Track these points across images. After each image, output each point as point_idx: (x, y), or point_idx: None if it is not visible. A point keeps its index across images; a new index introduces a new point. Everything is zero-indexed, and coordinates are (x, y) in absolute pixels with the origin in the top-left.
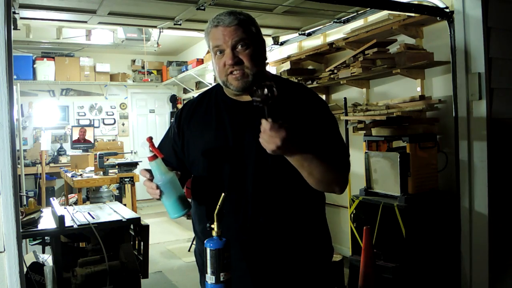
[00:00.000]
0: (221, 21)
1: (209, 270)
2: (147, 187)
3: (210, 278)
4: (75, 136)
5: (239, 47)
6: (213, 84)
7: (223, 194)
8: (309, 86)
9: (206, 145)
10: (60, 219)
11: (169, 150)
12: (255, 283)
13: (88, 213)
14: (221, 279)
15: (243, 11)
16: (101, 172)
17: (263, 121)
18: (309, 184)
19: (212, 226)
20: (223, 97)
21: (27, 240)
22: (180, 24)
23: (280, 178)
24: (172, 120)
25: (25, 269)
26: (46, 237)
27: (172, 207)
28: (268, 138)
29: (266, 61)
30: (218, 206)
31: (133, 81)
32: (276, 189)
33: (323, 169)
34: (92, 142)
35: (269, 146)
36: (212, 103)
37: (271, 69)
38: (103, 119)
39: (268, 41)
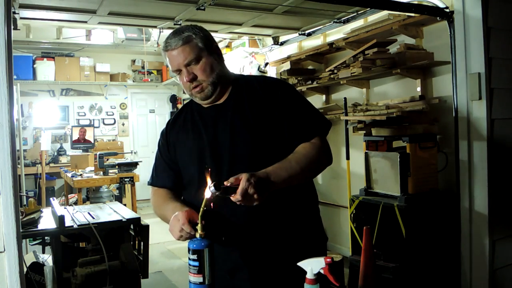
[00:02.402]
0: (169, 44)
1: (192, 270)
2: (184, 229)
3: (194, 279)
4: (75, 136)
5: (191, 64)
6: None
7: (205, 197)
8: (309, 86)
9: (187, 151)
10: (60, 219)
11: (166, 169)
12: (250, 272)
13: (88, 213)
14: (207, 281)
15: (189, 25)
16: (101, 172)
17: (234, 198)
18: None
19: (196, 227)
20: (196, 106)
21: (27, 240)
22: (180, 24)
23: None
24: (159, 139)
25: (25, 269)
26: (46, 237)
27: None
28: (249, 202)
29: (224, 61)
30: (201, 209)
31: (133, 81)
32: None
33: (307, 169)
34: (92, 142)
35: (255, 203)
36: (189, 113)
37: (271, 69)
38: (103, 119)
39: (268, 41)
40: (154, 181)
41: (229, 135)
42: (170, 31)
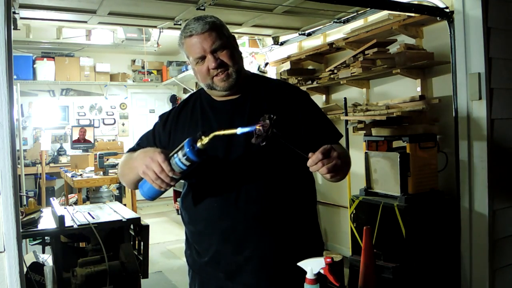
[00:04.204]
0: (193, 29)
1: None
2: (165, 170)
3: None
4: (75, 136)
5: (218, 50)
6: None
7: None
8: (309, 86)
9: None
10: (60, 219)
11: (149, 144)
12: (253, 274)
13: (88, 213)
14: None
15: (208, 14)
16: (101, 172)
17: (312, 156)
18: (297, 179)
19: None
20: (207, 98)
21: (27, 240)
22: (180, 24)
23: (269, 169)
24: (157, 122)
25: (25, 269)
26: (46, 237)
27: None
28: (328, 162)
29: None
30: (221, 132)
31: (133, 81)
32: (265, 180)
33: (348, 165)
34: (92, 142)
35: (335, 173)
36: (197, 105)
37: (271, 69)
38: (103, 119)
39: (268, 41)
40: (135, 147)
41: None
42: (170, 31)
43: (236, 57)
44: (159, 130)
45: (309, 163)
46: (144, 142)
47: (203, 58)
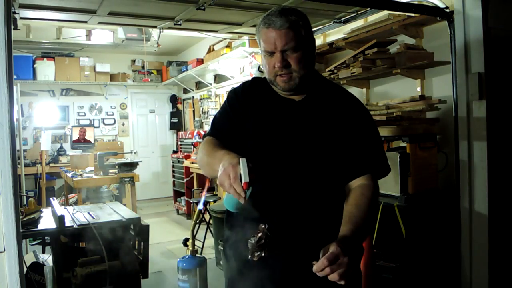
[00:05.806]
0: (272, 22)
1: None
2: (235, 187)
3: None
4: (75, 136)
5: (288, 50)
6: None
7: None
8: None
9: (254, 124)
10: (60, 219)
11: (230, 122)
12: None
13: (88, 213)
14: None
15: (295, 8)
16: (101, 172)
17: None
18: (342, 186)
19: (187, 243)
20: (272, 91)
21: (27, 240)
22: (180, 24)
23: (320, 172)
24: (231, 95)
25: (25, 269)
26: (46, 237)
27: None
28: (336, 269)
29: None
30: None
31: (133, 81)
32: (315, 182)
33: (372, 225)
34: (92, 142)
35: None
36: (265, 91)
37: None
38: (103, 119)
39: None
40: (215, 133)
41: (298, 135)
42: (170, 31)
43: (305, 61)
44: (234, 105)
45: (314, 269)
46: (225, 124)
47: (272, 53)
